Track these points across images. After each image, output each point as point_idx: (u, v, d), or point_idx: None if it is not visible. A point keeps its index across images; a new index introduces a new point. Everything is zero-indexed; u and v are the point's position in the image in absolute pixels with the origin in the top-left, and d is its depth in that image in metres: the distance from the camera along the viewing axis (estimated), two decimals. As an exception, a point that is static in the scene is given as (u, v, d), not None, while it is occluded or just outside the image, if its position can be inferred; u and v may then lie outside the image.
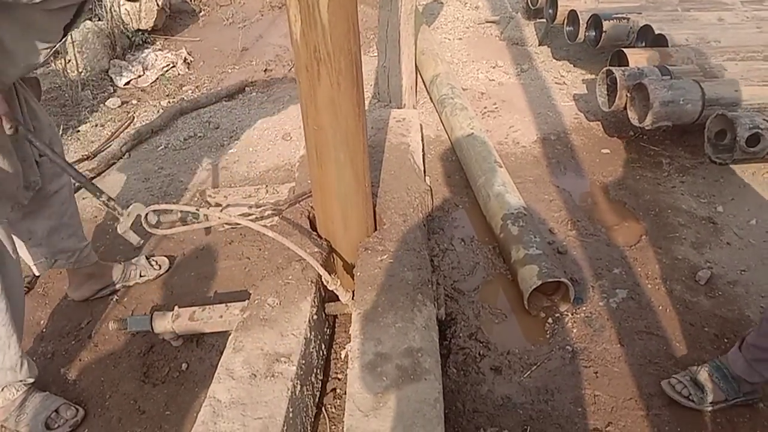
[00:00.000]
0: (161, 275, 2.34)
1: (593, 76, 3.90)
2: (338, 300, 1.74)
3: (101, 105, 3.85)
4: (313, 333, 1.66)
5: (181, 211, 2.46)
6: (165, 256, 2.42)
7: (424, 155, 2.76)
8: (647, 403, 1.76)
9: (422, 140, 2.82)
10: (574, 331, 2.03)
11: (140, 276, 2.30)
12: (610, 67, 3.07)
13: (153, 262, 2.35)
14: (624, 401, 1.77)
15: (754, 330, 1.65)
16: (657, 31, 3.44)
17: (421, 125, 2.99)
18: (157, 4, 4.58)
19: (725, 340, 1.97)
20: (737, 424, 1.69)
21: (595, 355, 1.93)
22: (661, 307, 2.10)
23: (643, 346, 1.96)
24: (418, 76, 3.88)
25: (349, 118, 1.58)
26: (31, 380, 1.79)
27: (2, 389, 1.74)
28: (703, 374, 1.72)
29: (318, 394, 1.73)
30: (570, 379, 1.85)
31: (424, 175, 2.39)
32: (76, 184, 2.26)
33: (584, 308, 2.12)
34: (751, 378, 1.67)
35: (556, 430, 1.70)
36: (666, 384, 1.77)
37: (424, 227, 2.06)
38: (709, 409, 1.71)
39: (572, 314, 2.09)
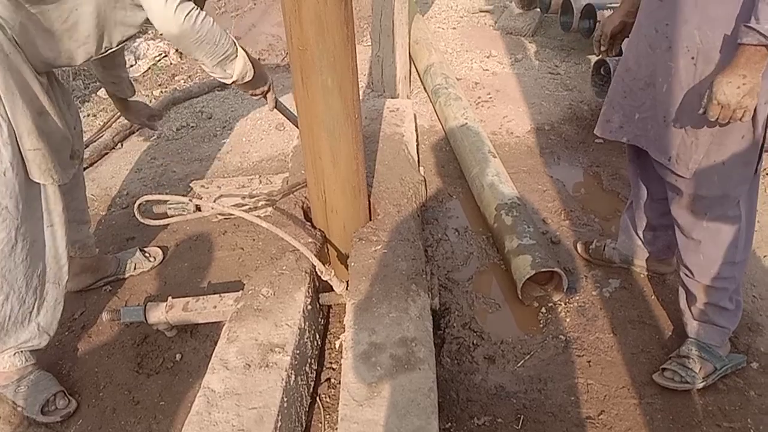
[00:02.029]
0: (155, 267, 2.34)
1: (587, 66, 3.89)
2: (332, 290, 1.74)
3: (93, 95, 3.82)
4: (307, 323, 1.66)
5: (175, 202, 2.46)
6: (158, 247, 2.41)
7: (418, 145, 2.75)
8: (639, 392, 1.78)
9: (416, 130, 2.82)
10: (567, 320, 2.04)
11: (134, 268, 2.29)
12: (604, 57, 3.06)
13: (147, 254, 2.34)
14: (617, 390, 1.79)
15: None
16: (651, 21, 3.43)
17: (415, 115, 2.98)
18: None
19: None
20: (728, 412, 1.71)
21: (588, 344, 1.94)
22: (653, 297, 2.11)
23: (635, 335, 1.97)
24: (412, 65, 3.86)
25: (337, 37, 1.47)
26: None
27: (14, 354, 1.71)
28: (684, 351, 1.77)
29: (312, 384, 1.73)
30: (563, 368, 1.86)
31: (418, 166, 2.39)
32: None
33: (577, 298, 2.13)
34: (708, 338, 1.76)
35: (549, 419, 1.71)
36: (658, 376, 1.78)
37: (418, 217, 2.06)
38: (702, 384, 1.74)
39: (565, 304, 2.10)
